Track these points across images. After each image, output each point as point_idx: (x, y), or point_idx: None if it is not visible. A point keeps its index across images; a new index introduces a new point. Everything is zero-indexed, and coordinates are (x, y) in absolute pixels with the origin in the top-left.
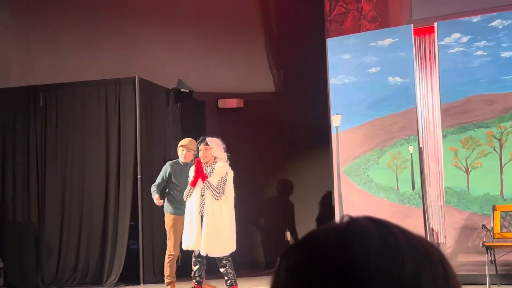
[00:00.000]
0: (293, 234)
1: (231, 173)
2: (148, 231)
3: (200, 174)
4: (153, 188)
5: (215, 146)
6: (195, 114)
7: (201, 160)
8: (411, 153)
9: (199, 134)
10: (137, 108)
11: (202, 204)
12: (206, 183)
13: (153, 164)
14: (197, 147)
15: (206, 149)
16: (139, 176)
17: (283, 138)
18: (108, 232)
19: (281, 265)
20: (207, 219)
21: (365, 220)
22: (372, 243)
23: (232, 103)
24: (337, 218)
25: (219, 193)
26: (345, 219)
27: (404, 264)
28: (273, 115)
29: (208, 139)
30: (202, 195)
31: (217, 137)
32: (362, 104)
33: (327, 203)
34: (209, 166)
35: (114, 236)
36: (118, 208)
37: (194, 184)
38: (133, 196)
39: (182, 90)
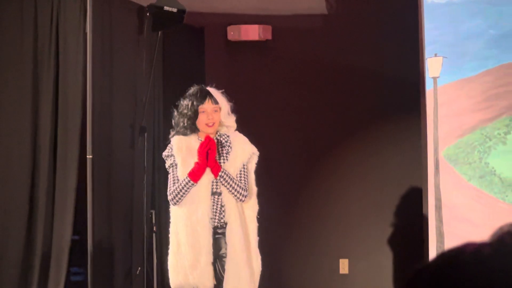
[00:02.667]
0: (352, 261)
1: (256, 154)
2: (105, 251)
3: (211, 162)
4: None
5: (224, 106)
6: (187, 50)
7: (205, 130)
8: None
9: (193, 83)
10: (88, 37)
11: (217, 212)
12: (221, 176)
13: (113, 136)
14: (192, 105)
15: (215, 111)
16: (89, 156)
17: (337, 95)
18: (34, 253)
19: None
20: (232, 239)
21: None
22: None
23: (253, 32)
24: (432, 236)
25: (245, 190)
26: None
27: None
28: (322, 54)
29: (212, 91)
30: (215, 196)
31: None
32: (480, 39)
33: (413, 209)
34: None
35: (44, 258)
36: (52, 212)
37: (196, 176)
38: (77, 192)
39: (166, 8)
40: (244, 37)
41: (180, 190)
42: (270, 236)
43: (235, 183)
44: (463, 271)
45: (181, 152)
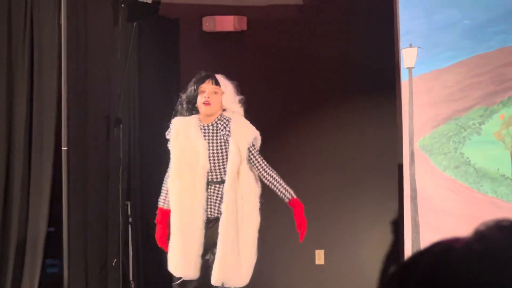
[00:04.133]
0: (328, 251)
1: (259, 138)
2: (80, 242)
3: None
4: None
5: (229, 91)
6: (162, 41)
7: (202, 111)
8: None
9: (169, 74)
10: (62, 29)
11: (216, 203)
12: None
13: (88, 127)
14: (193, 86)
15: (215, 92)
16: (64, 148)
17: (313, 85)
18: (9, 245)
19: None
20: (225, 227)
21: None
22: None
23: (228, 23)
24: (407, 226)
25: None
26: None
27: None
28: (297, 45)
29: (218, 76)
30: (216, 185)
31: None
32: (455, 30)
33: (388, 199)
34: (215, 124)
35: (19, 250)
36: (27, 204)
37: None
38: (53, 182)
39: (140, 0)
40: (219, 28)
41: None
42: None
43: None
44: (455, 268)
45: (178, 135)
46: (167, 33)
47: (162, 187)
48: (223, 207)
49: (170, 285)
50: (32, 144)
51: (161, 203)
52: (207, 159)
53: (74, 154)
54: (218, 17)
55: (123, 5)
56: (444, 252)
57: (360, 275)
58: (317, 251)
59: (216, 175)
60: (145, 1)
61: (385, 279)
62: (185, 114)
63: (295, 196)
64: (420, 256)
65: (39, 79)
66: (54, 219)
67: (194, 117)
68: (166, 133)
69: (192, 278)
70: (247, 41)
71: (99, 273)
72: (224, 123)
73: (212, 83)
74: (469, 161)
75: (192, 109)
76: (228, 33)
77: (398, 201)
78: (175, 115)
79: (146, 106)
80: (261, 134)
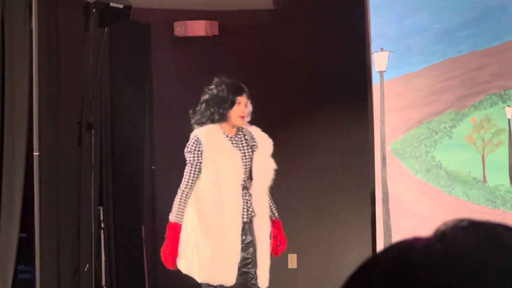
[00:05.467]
0: (301, 256)
1: (272, 144)
2: (52, 248)
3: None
4: None
5: (249, 103)
6: (134, 46)
7: (236, 122)
8: (509, 120)
9: (141, 79)
10: (34, 33)
11: (246, 207)
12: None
13: (60, 133)
14: (229, 95)
15: (246, 105)
16: (35, 153)
17: (284, 90)
18: None
19: None
20: (261, 231)
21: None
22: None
23: (200, 28)
24: (379, 229)
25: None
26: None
27: None
28: (269, 49)
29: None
30: (245, 193)
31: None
32: (426, 34)
33: (360, 203)
34: (240, 135)
35: None
36: None
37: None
38: (25, 188)
39: (112, 5)
40: (190, 33)
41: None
42: None
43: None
44: (416, 267)
45: (209, 145)
46: (139, 37)
47: (175, 201)
48: (256, 208)
49: None
50: (4, 149)
51: (173, 218)
52: (243, 168)
53: (46, 159)
54: (189, 22)
55: (94, 10)
56: (405, 251)
57: (333, 278)
58: (290, 255)
59: (244, 182)
60: (116, 6)
61: (346, 280)
62: (216, 120)
63: (278, 217)
64: (381, 255)
65: (10, 84)
66: (26, 224)
67: (216, 127)
68: (190, 144)
69: (230, 284)
70: (218, 45)
71: (71, 278)
72: (249, 135)
73: (246, 97)
74: (441, 164)
75: (223, 117)
76: (200, 38)
77: (370, 205)
78: (197, 117)
79: (118, 110)
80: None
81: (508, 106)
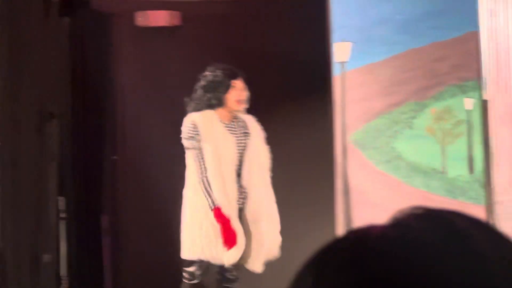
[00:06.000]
0: None
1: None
2: (12, 238)
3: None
4: None
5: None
6: (95, 35)
7: (233, 107)
8: (469, 111)
9: (102, 68)
10: None
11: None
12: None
13: (21, 122)
14: (224, 79)
15: (243, 90)
16: None
17: (246, 80)
18: None
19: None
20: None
21: (426, 218)
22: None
23: (162, 18)
24: (339, 220)
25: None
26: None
27: None
28: (231, 39)
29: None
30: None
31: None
32: (387, 25)
33: (321, 195)
34: (236, 122)
35: None
36: None
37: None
38: None
39: None
40: (152, 23)
41: (205, 194)
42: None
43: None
44: (370, 255)
45: (207, 131)
46: (100, 27)
47: (203, 192)
48: (254, 198)
49: (101, 279)
50: None
51: (213, 205)
52: (237, 154)
53: (6, 149)
54: (151, 12)
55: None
56: (359, 239)
57: (292, 269)
58: None
59: (237, 168)
60: None
61: (300, 270)
62: (204, 103)
63: None
64: (336, 243)
65: None
66: None
67: (211, 112)
68: (187, 130)
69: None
70: (181, 36)
71: (30, 269)
72: (244, 123)
73: (242, 82)
74: (401, 155)
75: (220, 103)
76: (162, 28)
77: (331, 196)
78: (194, 104)
79: (79, 100)
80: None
81: (468, 97)
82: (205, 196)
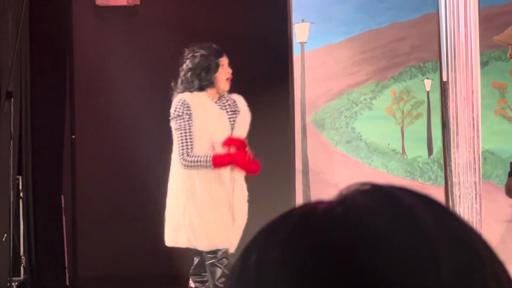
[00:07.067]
0: None
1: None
2: None
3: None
4: None
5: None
6: (55, 13)
7: (222, 86)
8: (428, 92)
9: (61, 47)
10: None
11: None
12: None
13: None
14: (212, 58)
15: (229, 66)
16: None
17: None
18: None
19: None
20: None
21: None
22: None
23: None
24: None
25: None
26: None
27: (438, 266)
28: (191, 19)
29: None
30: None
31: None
32: (346, 6)
33: (280, 175)
34: (225, 100)
35: None
36: None
37: (220, 166)
38: None
39: None
40: (112, 2)
41: (197, 166)
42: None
43: None
44: (316, 230)
45: (196, 109)
46: (60, 5)
47: (192, 160)
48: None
49: (61, 258)
50: None
51: (210, 154)
52: (230, 130)
53: None
54: None
55: None
56: (305, 214)
57: None
58: None
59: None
60: None
61: (245, 246)
62: (195, 85)
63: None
64: (282, 219)
65: None
66: None
67: (201, 93)
68: (177, 108)
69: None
70: (140, 15)
71: None
72: (231, 101)
73: (227, 58)
74: (361, 136)
75: (207, 81)
76: (121, 7)
77: (290, 176)
78: (183, 86)
79: (38, 79)
80: (154, 106)
81: (427, 78)
82: (198, 166)
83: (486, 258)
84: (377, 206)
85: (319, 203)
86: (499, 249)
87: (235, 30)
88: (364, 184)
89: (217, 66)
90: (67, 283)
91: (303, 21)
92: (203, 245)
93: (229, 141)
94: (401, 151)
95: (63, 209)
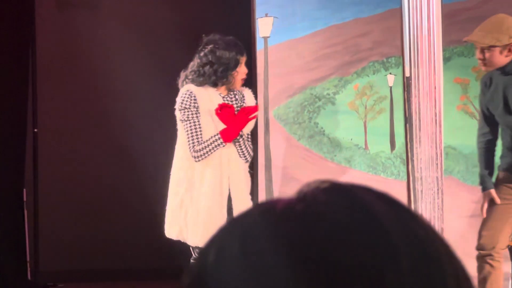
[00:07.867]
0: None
1: None
2: None
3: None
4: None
5: None
6: (16, 7)
7: (237, 84)
8: (391, 87)
9: (23, 42)
10: None
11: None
12: (240, 137)
13: None
14: (235, 56)
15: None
16: None
17: (168, 53)
18: None
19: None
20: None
21: (331, 190)
22: (347, 233)
23: None
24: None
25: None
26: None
27: (397, 259)
28: (154, 13)
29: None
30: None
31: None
32: (310, 1)
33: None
34: (233, 94)
35: None
36: None
37: (230, 138)
38: None
39: None
40: None
41: (209, 150)
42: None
43: (248, 145)
44: (274, 230)
45: (203, 103)
46: (20, 3)
47: (202, 149)
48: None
49: (23, 252)
50: None
51: (217, 133)
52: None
53: None
54: None
55: None
56: (265, 212)
57: None
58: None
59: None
60: None
61: (206, 242)
62: (211, 80)
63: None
64: (242, 216)
65: None
66: None
67: (212, 89)
68: (184, 100)
69: None
70: (103, 8)
71: None
72: (239, 94)
73: (245, 57)
74: (323, 131)
75: (226, 78)
76: (84, 1)
77: (253, 170)
78: (199, 79)
79: None
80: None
81: (390, 73)
82: (210, 150)
83: (443, 255)
84: (337, 203)
85: (279, 201)
86: (460, 245)
87: (198, 24)
88: (323, 182)
89: (237, 64)
90: (29, 277)
91: (266, 15)
92: (192, 241)
93: (220, 108)
94: (363, 146)
95: (24, 203)
